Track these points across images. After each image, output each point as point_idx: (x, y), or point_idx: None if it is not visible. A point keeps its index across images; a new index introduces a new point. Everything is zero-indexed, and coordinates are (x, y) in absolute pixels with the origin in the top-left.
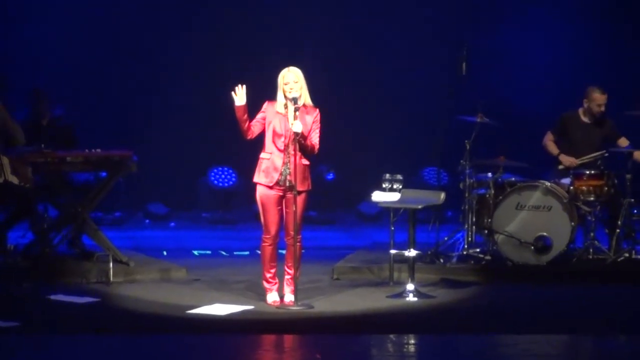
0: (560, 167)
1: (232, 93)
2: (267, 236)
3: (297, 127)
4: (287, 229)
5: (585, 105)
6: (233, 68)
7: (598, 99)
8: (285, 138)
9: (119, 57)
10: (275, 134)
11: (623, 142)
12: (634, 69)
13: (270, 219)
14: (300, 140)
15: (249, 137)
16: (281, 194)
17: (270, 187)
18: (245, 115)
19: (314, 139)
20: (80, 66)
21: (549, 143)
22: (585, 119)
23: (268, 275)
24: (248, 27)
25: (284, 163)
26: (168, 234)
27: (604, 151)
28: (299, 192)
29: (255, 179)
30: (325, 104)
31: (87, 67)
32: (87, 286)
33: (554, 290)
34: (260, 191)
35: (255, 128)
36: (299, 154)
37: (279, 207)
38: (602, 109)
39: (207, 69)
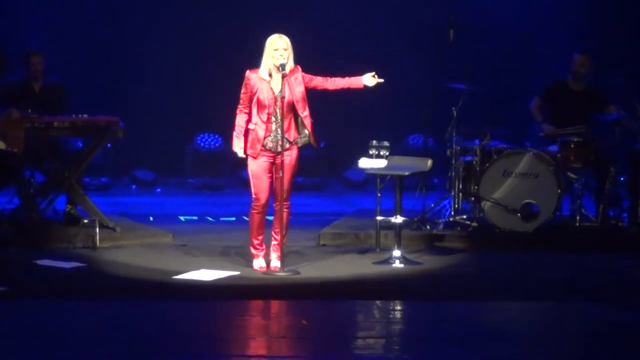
0: (541, 134)
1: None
2: (257, 204)
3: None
4: (276, 194)
5: (571, 70)
6: (220, 34)
7: (577, 59)
8: (268, 108)
9: (107, 22)
10: (259, 105)
11: (611, 109)
12: (622, 35)
13: (261, 187)
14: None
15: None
16: (271, 161)
17: (256, 157)
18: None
19: (325, 80)
20: (67, 31)
21: (536, 108)
22: (574, 87)
23: (255, 242)
24: None
25: (269, 132)
26: (154, 200)
27: (582, 126)
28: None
29: (246, 149)
30: (311, 70)
31: (73, 33)
32: (74, 251)
33: (540, 257)
34: (249, 162)
35: (247, 104)
36: (288, 116)
37: (269, 175)
38: (582, 70)
39: (195, 35)
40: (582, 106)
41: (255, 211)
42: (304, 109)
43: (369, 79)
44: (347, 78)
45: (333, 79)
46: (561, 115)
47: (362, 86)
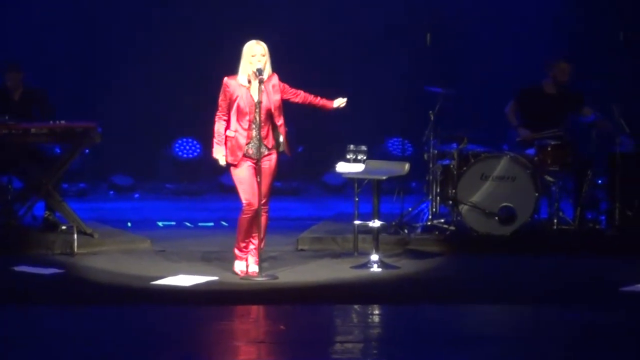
0: (518, 139)
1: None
2: (250, 209)
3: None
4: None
5: (550, 74)
6: (197, 40)
7: (558, 65)
8: (249, 114)
9: (84, 27)
10: (239, 112)
11: (587, 111)
12: (599, 37)
13: (251, 192)
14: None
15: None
16: (254, 165)
17: (237, 165)
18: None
19: (297, 94)
20: (45, 37)
21: (511, 113)
22: (548, 91)
23: (242, 244)
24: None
25: (249, 139)
26: (132, 205)
27: (557, 129)
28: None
29: (226, 157)
30: (289, 74)
31: (51, 39)
32: (52, 258)
33: (518, 260)
34: (233, 170)
35: (226, 111)
36: (267, 122)
37: (257, 179)
38: (563, 77)
39: (172, 40)
40: (557, 109)
41: (247, 215)
42: (279, 118)
43: (339, 102)
44: (319, 98)
45: (306, 95)
46: (536, 118)
47: (331, 108)
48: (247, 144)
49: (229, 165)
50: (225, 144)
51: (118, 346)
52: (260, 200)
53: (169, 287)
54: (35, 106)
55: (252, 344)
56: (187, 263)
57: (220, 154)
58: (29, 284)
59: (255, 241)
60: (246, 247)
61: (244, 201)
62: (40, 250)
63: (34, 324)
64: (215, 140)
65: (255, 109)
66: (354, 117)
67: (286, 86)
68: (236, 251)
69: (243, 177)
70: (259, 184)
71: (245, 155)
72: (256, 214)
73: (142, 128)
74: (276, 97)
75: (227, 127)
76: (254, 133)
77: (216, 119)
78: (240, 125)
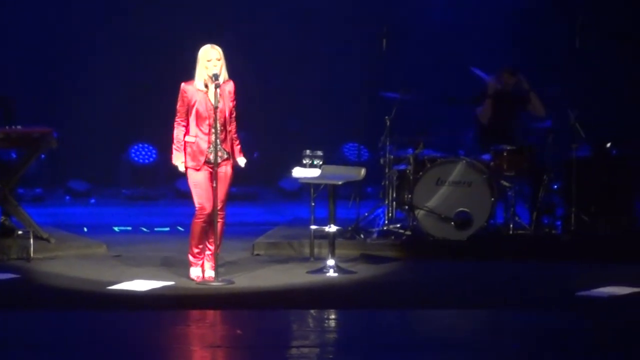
0: (490, 81)
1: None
2: (203, 213)
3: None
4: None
5: (496, 80)
6: (153, 45)
7: (506, 77)
8: (209, 119)
9: (40, 33)
10: (199, 117)
11: (535, 104)
12: (554, 45)
13: (205, 197)
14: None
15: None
16: (211, 170)
17: (198, 170)
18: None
19: (232, 123)
20: (1, 42)
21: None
22: (493, 87)
23: (196, 250)
24: (168, 2)
25: (210, 144)
26: (88, 211)
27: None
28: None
29: (186, 162)
30: (245, 79)
31: (6, 44)
32: (8, 263)
33: (474, 265)
34: (190, 174)
35: (184, 117)
36: (228, 129)
37: (212, 183)
38: (506, 87)
39: (127, 45)
40: (505, 104)
41: (200, 220)
42: (230, 125)
43: (241, 161)
44: (238, 145)
45: (235, 132)
46: (489, 115)
47: (234, 159)
48: (208, 148)
49: (187, 169)
50: (185, 149)
51: (73, 351)
52: (214, 205)
53: (125, 291)
54: None
55: (209, 349)
56: (143, 268)
57: (179, 160)
58: None
59: (211, 246)
60: (200, 253)
61: (197, 205)
62: None
63: None
64: (174, 147)
65: (214, 113)
66: (310, 122)
67: (234, 105)
68: (190, 257)
69: (199, 180)
70: (215, 189)
71: (205, 161)
72: (209, 219)
73: (98, 133)
74: (230, 104)
75: (187, 133)
76: (213, 138)
77: (175, 125)
78: (201, 130)
